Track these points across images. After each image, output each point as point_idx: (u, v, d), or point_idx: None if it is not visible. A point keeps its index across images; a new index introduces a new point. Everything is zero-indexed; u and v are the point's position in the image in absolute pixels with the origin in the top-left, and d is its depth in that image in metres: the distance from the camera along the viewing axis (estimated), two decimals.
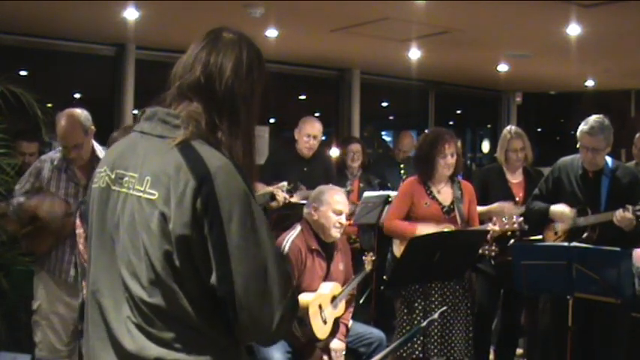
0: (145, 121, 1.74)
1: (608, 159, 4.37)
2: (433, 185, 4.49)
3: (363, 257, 4.64)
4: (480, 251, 4.35)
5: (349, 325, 4.30)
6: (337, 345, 4.15)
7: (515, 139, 5.07)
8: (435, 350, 4.27)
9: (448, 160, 4.43)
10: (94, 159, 4.24)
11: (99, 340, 1.70)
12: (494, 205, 4.85)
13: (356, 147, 6.56)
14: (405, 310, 4.33)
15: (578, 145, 4.35)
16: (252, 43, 1.79)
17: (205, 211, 1.58)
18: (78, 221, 3.51)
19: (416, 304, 4.29)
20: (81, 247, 3.45)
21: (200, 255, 1.60)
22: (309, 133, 5.50)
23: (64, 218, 4.13)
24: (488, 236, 4.34)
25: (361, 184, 6.32)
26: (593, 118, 4.29)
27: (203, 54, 1.72)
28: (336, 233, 4.18)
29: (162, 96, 1.76)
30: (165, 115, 1.71)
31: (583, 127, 4.28)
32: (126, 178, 1.69)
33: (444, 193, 4.49)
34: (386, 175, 6.96)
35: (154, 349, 1.61)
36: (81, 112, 4.21)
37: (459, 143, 4.67)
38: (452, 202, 4.46)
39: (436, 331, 4.27)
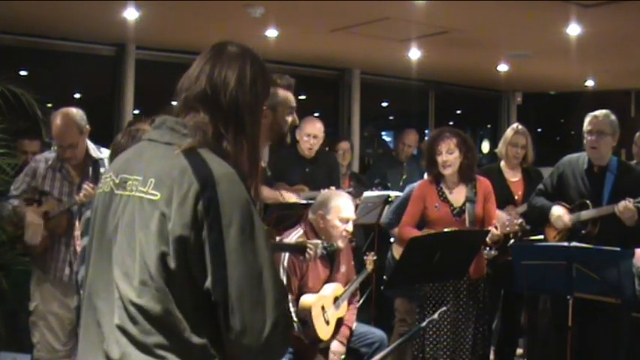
0: (154, 130, 1.77)
1: (614, 159, 4.40)
2: (446, 186, 4.46)
3: (365, 257, 4.63)
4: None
5: (353, 328, 4.28)
6: (336, 347, 4.14)
7: (518, 135, 5.11)
8: (445, 355, 4.24)
9: (444, 156, 4.37)
10: (89, 158, 4.26)
11: (90, 344, 1.71)
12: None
13: (345, 145, 6.57)
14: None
15: (584, 133, 4.38)
16: (256, 57, 1.82)
17: (206, 215, 1.59)
18: (78, 223, 3.52)
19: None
20: (78, 248, 3.47)
21: (196, 258, 1.60)
22: (310, 132, 5.50)
23: (52, 221, 4.17)
24: (489, 238, 4.31)
25: (352, 183, 6.32)
26: (601, 110, 4.41)
27: (208, 67, 1.75)
28: (342, 244, 4.17)
29: (168, 109, 1.79)
30: (174, 123, 1.73)
31: (590, 114, 4.39)
32: (129, 182, 1.70)
33: (457, 194, 4.44)
34: (387, 175, 6.95)
35: (136, 356, 1.61)
36: (76, 112, 4.22)
37: (472, 144, 4.58)
38: (463, 204, 4.42)
39: (447, 338, 4.24)
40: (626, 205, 4.10)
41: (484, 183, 4.53)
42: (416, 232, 4.38)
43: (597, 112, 4.38)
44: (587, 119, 4.39)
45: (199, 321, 1.62)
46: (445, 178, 4.45)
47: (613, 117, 4.36)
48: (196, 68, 1.76)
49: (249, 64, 1.77)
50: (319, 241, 3.56)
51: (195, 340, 1.62)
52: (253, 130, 1.77)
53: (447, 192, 4.44)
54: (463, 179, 4.44)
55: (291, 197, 5.27)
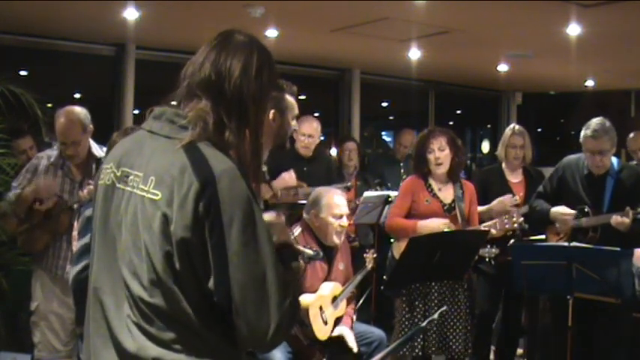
0: (154, 120, 1.74)
1: (614, 159, 4.38)
2: (434, 183, 4.49)
3: (365, 255, 4.63)
4: (480, 253, 4.35)
5: (354, 319, 4.29)
6: (348, 333, 4.14)
7: (516, 136, 5.11)
8: (433, 348, 4.27)
9: (436, 154, 4.42)
10: (91, 157, 4.28)
11: (100, 338, 1.70)
12: (495, 203, 4.85)
13: (351, 145, 6.56)
14: (405, 310, 4.32)
15: (583, 150, 4.34)
16: (263, 47, 1.80)
17: (207, 215, 1.57)
18: (76, 223, 3.52)
19: (416, 304, 4.29)
20: (74, 248, 3.47)
21: (200, 258, 1.59)
22: (305, 132, 5.51)
23: (56, 206, 4.16)
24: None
25: (358, 183, 6.32)
26: (595, 122, 4.26)
27: (213, 54, 1.72)
28: (337, 239, 4.18)
29: (171, 95, 1.76)
30: (173, 115, 1.70)
31: (585, 131, 4.25)
32: (131, 177, 1.68)
33: (445, 192, 4.48)
34: (385, 175, 6.95)
35: (153, 349, 1.61)
36: (80, 110, 4.25)
37: (460, 144, 4.64)
38: (453, 201, 4.45)
39: (435, 329, 4.27)
40: (620, 221, 4.10)
41: (469, 186, 4.61)
42: (407, 221, 4.40)
43: (593, 131, 4.20)
44: (585, 139, 4.24)
45: (211, 316, 1.63)
46: (434, 177, 4.48)
47: (608, 124, 4.23)
48: (202, 55, 1.74)
49: (255, 53, 1.75)
50: (304, 249, 3.55)
51: (209, 335, 1.63)
52: (257, 120, 1.73)
53: (435, 189, 4.48)
54: (451, 178, 4.50)
55: (288, 180, 5.21)
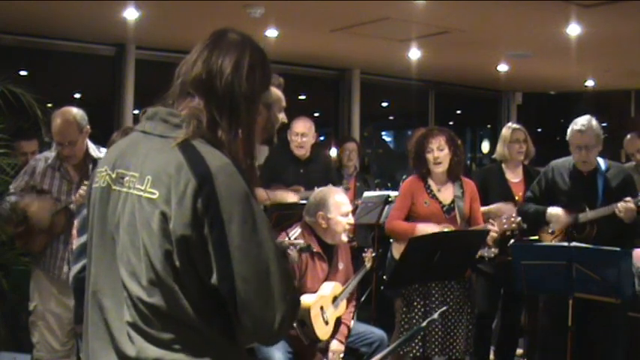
0: (147, 121, 1.74)
1: (601, 160, 4.41)
2: (434, 184, 4.49)
3: (363, 254, 4.63)
4: (480, 253, 4.35)
5: (351, 326, 4.29)
6: (336, 346, 4.15)
7: (517, 131, 5.17)
8: (437, 350, 4.27)
9: (435, 153, 4.41)
10: (88, 158, 4.28)
11: (98, 341, 1.70)
12: (493, 207, 4.85)
13: (352, 145, 6.56)
14: (405, 310, 4.32)
15: (570, 147, 4.40)
16: (257, 45, 1.79)
17: (206, 212, 1.58)
18: (76, 222, 3.52)
19: (415, 304, 4.29)
20: (73, 247, 3.48)
21: (200, 255, 1.59)
22: (298, 131, 5.49)
23: (52, 217, 4.18)
24: (488, 237, 4.33)
25: (358, 184, 6.32)
26: (582, 118, 4.39)
27: (206, 52, 1.73)
28: (345, 238, 4.19)
29: (165, 95, 1.76)
30: (167, 114, 1.71)
31: (573, 127, 4.38)
32: (127, 178, 1.68)
33: (445, 192, 4.48)
34: (396, 176, 6.91)
35: (153, 351, 1.61)
36: (77, 111, 4.25)
37: (460, 142, 4.64)
38: (452, 201, 4.45)
39: (437, 330, 4.27)
40: (626, 206, 4.12)
41: (470, 184, 4.59)
42: (406, 225, 4.40)
43: (581, 126, 4.33)
44: (572, 133, 4.37)
45: (210, 314, 1.63)
46: (433, 176, 4.48)
47: (594, 122, 4.35)
48: (195, 53, 1.74)
49: (248, 52, 1.75)
50: (295, 241, 3.55)
51: (209, 333, 1.63)
52: (249, 118, 1.74)
53: (435, 190, 4.47)
54: (451, 177, 4.49)
55: (288, 196, 5.24)
